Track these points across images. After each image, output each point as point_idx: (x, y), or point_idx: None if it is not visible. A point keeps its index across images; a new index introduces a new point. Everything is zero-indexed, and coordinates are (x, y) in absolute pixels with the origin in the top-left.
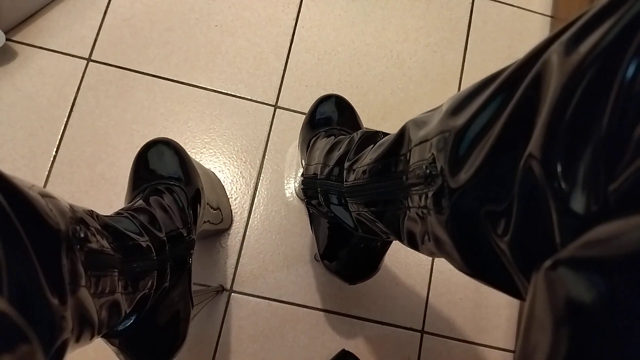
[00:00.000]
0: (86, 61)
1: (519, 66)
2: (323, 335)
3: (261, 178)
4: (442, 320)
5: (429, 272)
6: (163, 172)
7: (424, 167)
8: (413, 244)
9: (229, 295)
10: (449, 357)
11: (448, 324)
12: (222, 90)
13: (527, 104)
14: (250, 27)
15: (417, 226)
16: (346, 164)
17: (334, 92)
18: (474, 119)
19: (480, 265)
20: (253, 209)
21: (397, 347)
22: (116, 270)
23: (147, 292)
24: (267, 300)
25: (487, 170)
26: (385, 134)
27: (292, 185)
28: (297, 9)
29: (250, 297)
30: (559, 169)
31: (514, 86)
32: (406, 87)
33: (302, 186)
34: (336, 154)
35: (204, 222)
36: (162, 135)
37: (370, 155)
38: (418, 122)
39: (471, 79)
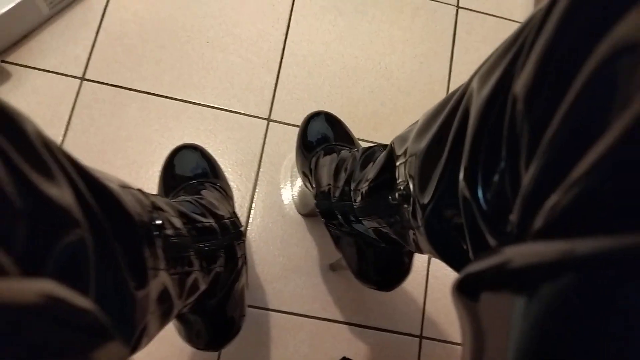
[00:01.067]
0: (80, 80)
1: (459, 97)
2: (324, 343)
3: (257, 191)
4: (439, 325)
5: (425, 278)
6: (194, 172)
7: (402, 188)
8: (419, 249)
9: None
10: None
11: (446, 328)
12: (216, 106)
13: (460, 131)
14: (241, 43)
15: (414, 234)
16: (352, 185)
17: (324, 105)
18: (430, 144)
19: (458, 266)
20: (250, 221)
21: (397, 352)
22: (192, 250)
23: (219, 270)
24: (266, 311)
25: (442, 188)
26: (384, 146)
27: (288, 196)
28: (286, 24)
29: (251, 309)
30: (479, 192)
31: (453, 115)
32: (395, 98)
33: (318, 209)
34: (343, 175)
35: None
36: (158, 151)
37: (368, 175)
38: (401, 139)
39: None
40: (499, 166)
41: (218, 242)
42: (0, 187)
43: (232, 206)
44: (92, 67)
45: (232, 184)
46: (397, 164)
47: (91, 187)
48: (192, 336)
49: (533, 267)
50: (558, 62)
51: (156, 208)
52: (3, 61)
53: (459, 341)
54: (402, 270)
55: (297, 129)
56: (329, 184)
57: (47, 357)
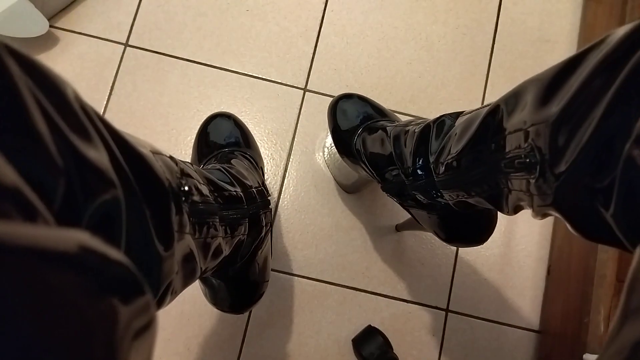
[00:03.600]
0: (124, 46)
1: (617, 46)
2: (350, 311)
3: (291, 160)
4: (466, 300)
5: (455, 252)
6: (229, 140)
7: (523, 156)
8: (517, 211)
9: None
10: (472, 335)
11: (472, 304)
12: (253, 74)
13: (634, 85)
14: (280, 11)
15: (523, 201)
16: (431, 158)
17: (361, 76)
18: (569, 107)
19: (589, 230)
20: (283, 189)
21: (422, 324)
22: (217, 217)
23: (242, 238)
24: (296, 277)
25: (589, 154)
26: (453, 115)
27: (321, 167)
28: None
29: (280, 274)
30: None
31: (615, 68)
32: (434, 70)
33: (388, 193)
34: (407, 152)
35: None
36: (196, 118)
37: (455, 145)
38: (507, 105)
39: (501, 62)
40: None
41: (243, 210)
42: (45, 146)
43: (261, 176)
44: (135, 34)
45: (266, 152)
46: (505, 133)
47: (125, 151)
48: (216, 299)
49: None
50: None
51: (185, 175)
52: (52, 26)
53: (486, 316)
54: (489, 223)
55: (330, 119)
56: (393, 167)
57: (81, 306)
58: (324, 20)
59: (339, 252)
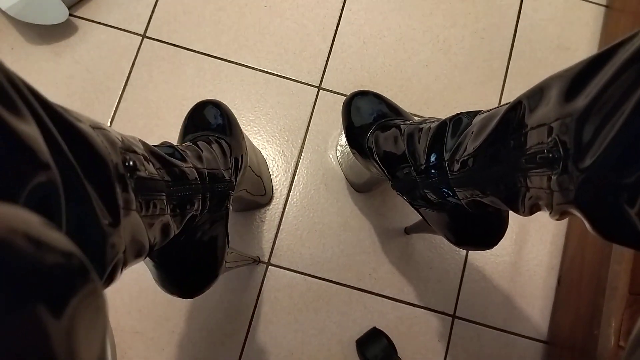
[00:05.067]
0: (141, 37)
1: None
2: (355, 312)
3: (302, 157)
4: (474, 307)
5: (464, 257)
6: (210, 125)
7: (545, 151)
8: (533, 212)
9: (267, 268)
10: (479, 343)
11: (480, 311)
12: (268, 70)
13: None
14: (298, 8)
15: (541, 200)
16: (446, 156)
17: (377, 77)
18: (597, 101)
19: (610, 229)
20: (293, 186)
21: (428, 329)
22: (164, 193)
23: (195, 214)
24: (302, 275)
25: (617, 149)
26: (470, 114)
27: (332, 166)
28: None
29: (287, 271)
30: None
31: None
32: (451, 74)
33: (399, 192)
34: (421, 149)
35: (242, 189)
36: None
37: (472, 143)
38: (529, 100)
39: (519, 68)
40: None
41: (194, 187)
42: None
43: (232, 163)
44: (153, 25)
45: (278, 148)
46: (527, 129)
47: (60, 126)
48: (163, 281)
49: None
50: None
51: (129, 150)
52: (71, 15)
53: (493, 324)
54: (500, 224)
55: (344, 117)
56: (405, 164)
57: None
58: (342, 19)
59: (346, 252)
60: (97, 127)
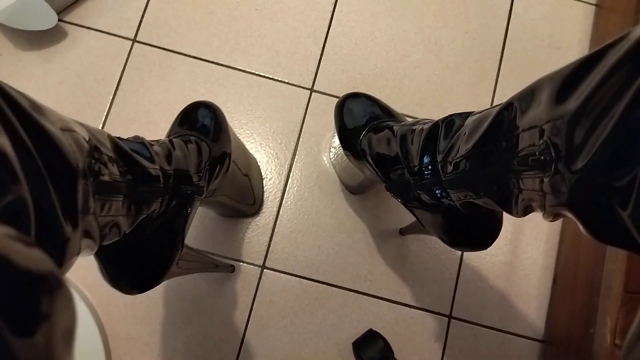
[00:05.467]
0: (132, 42)
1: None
2: (351, 314)
3: (295, 160)
4: (470, 307)
5: (459, 258)
6: (196, 125)
7: (537, 153)
8: (527, 214)
9: (262, 271)
10: (475, 343)
11: (476, 311)
12: (260, 73)
13: None
14: (289, 11)
15: (534, 202)
16: (439, 157)
17: (369, 78)
18: (587, 103)
19: (603, 231)
20: (287, 189)
21: (424, 330)
22: (121, 195)
23: (150, 214)
24: (297, 278)
25: (608, 151)
26: (462, 115)
27: (326, 168)
28: None
29: (282, 274)
30: None
31: (639, 63)
32: (443, 74)
33: (392, 193)
34: (414, 151)
35: (222, 194)
36: None
37: (464, 144)
38: (521, 102)
39: (510, 67)
40: None
41: (156, 190)
42: None
43: (207, 167)
44: (143, 30)
45: (271, 151)
46: (518, 131)
47: (30, 130)
48: (103, 274)
49: None
50: None
51: (96, 151)
52: (60, 20)
53: (489, 324)
54: (495, 226)
55: (336, 120)
56: (399, 166)
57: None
58: (333, 21)
59: (341, 254)
60: (67, 129)
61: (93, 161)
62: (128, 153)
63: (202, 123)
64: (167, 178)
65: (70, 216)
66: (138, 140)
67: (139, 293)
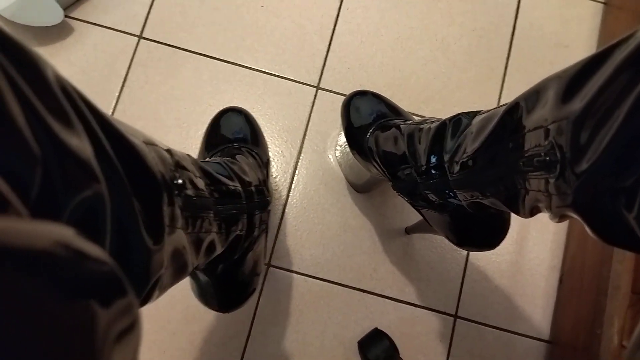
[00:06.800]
0: (138, 38)
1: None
2: (356, 313)
3: (301, 157)
4: (476, 306)
5: (465, 257)
6: (235, 135)
7: (542, 154)
8: (534, 214)
9: (267, 270)
10: (481, 343)
11: (482, 310)
12: (266, 70)
13: None
14: (296, 8)
15: (540, 202)
16: (446, 157)
17: (375, 75)
18: (592, 104)
19: (609, 232)
20: (292, 187)
21: (430, 329)
22: (211, 212)
23: (240, 234)
24: (303, 276)
25: (613, 153)
26: (470, 114)
27: (331, 166)
28: None
29: (287, 272)
30: None
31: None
32: (449, 72)
33: (399, 193)
34: (421, 150)
35: None
36: (208, 112)
37: (471, 144)
38: (527, 102)
39: (517, 66)
40: None
41: (241, 206)
42: (19, 130)
43: (265, 175)
44: (149, 26)
45: (277, 149)
46: (525, 131)
47: (113, 140)
48: (205, 296)
49: None
50: None
51: (179, 167)
52: (67, 16)
53: (495, 324)
54: (502, 225)
55: (343, 119)
56: (407, 165)
57: (54, 312)
58: (339, 18)
59: (346, 253)
60: (150, 143)
61: (177, 174)
62: (210, 172)
63: (242, 132)
64: (249, 194)
65: (155, 229)
66: (216, 161)
67: (230, 312)
